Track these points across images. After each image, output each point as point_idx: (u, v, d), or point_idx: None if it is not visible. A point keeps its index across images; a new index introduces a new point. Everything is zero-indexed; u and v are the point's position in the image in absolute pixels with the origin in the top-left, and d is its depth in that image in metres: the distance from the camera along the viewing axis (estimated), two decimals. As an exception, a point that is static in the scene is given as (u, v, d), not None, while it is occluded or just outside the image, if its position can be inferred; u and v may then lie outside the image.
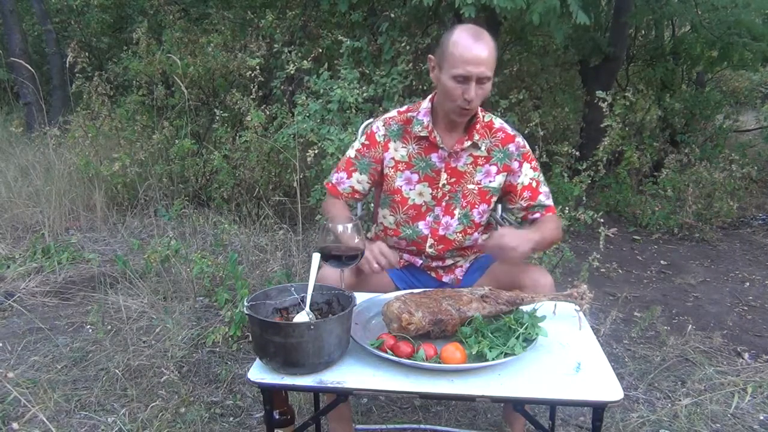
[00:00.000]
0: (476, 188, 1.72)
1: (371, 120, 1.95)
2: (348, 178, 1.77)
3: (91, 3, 7.24)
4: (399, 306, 1.34)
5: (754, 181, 5.29)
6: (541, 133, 4.17)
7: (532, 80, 5.58)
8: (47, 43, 7.15)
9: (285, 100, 4.19)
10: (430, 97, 1.73)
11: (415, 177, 1.73)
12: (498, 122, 1.76)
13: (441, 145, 1.69)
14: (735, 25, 4.90)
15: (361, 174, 1.76)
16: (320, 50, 4.06)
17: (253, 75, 3.81)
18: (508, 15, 3.77)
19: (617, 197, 4.94)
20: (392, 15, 3.96)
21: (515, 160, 1.73)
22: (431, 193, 1.72)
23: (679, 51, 6.19)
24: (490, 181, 1.73)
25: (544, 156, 4.16)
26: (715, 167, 4.74)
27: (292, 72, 3.58)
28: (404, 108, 1.79)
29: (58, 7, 7.92)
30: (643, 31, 6.92)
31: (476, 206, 1.73)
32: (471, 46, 1.52)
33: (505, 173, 1.73)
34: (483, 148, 1.71)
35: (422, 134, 1.69)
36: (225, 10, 5.54)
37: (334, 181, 1.79)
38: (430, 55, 1.67)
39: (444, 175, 1.71)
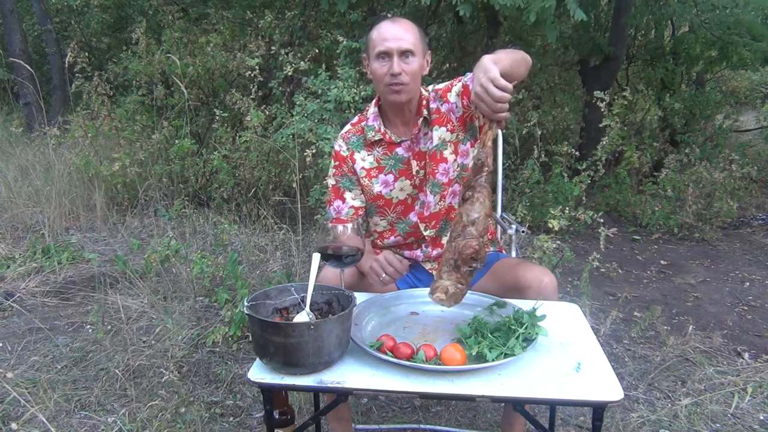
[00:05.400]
0: (428, 156, 1.72)
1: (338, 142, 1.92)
2: (343, 202, 1.77)
3: (91, 3, 7.25)
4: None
5: (754, 181, 5.28)
6: (540, 133, 4.18)
7: (532, 80, 5.56)
8: (47, 43, 7.17)
9: (284, 100, 4.19)
10: (374, 101, 1.76)
11: (391, 177, 1.74)
12: (435, 87, 1.75)
13: (398, 140, 1.71)
14: (735, 25, 4.90)
15: (351, 191, 1.77)
16: (317, 50, 4.06)
17: (252, 75, 3.81)
18: (506, 13, 3.77)
19: (617, 197, 4.93)
20: (390, 15, 3.95)
21: (458, 97, 1.68)
22: (411, 184, 1.74)
23: (679, 51, 6.18)
24: (438, 137, 1.71)
25: (544, 156, 4.17)
26: (715, 167, 4.73)
27: (289, 73, 3.59)
28: (356, 119, 1.81)
29: (58, 7, 7.92)
30: (643, 31, 6.91)
31: (435, 171, 1.72)
32: (388, 27, 1.62)
33: (449, 115, 1.70)
34: (433, 117, 1.71)
35: (377, 138, 1.72)
36: (224, 10, 5.53)
37: (334, 215, 1.79)
38: (362, 54, 1.73)
39: (414, 162, 1.72)
